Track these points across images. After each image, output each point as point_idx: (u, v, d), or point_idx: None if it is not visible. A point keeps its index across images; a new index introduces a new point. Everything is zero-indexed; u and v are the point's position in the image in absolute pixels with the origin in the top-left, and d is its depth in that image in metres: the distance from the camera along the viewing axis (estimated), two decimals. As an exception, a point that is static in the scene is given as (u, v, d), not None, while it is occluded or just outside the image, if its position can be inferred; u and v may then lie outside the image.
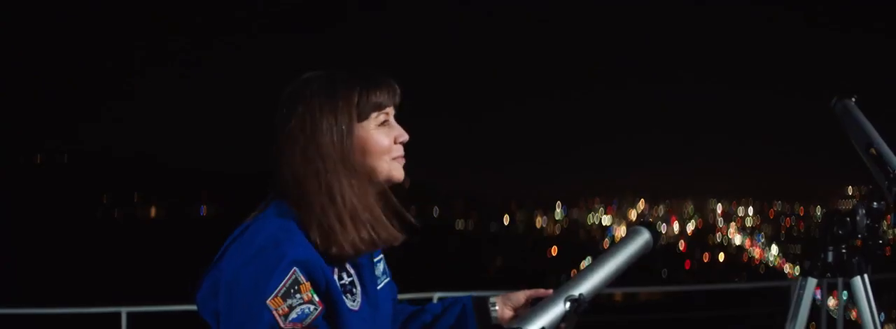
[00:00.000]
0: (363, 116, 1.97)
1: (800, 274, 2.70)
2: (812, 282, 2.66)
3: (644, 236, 2.27)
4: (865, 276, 2.62)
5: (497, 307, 2.32)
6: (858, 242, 2.58)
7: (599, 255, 2.22)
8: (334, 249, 1.87)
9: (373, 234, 1.93)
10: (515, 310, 2.33)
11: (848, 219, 2.54)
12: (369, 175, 1.99)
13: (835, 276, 2.65)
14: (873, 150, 2.47)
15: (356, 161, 1.96)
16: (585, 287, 2.11)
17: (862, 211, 2.51)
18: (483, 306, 2.32)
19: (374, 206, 1.99)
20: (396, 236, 2.01)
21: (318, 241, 1.86)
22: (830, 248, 2.63)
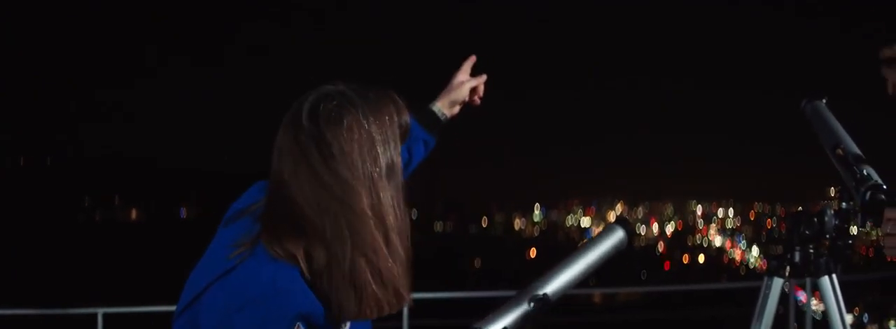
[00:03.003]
0: (403, 140, 1.75)
1: (765, 274, 2.70)
2: (778, 282, 2.66)
3: (618, 234, 2.19)
4: (834, 276, 2.62)
5: (444, 110, 2.52)
6: (827, 243, 2.59)
7: (571, 253, 2.15)
8: (347, 313, 1.64)
9: (393, 297, 1.68)
10: (454, 101, 2.53)
11: (815, 219, 2.55)
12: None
13: (802, 277, 2.65)
14: (840, 151, 2.47)
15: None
16: (552, 287, 2.06)
17: (830, 211, 2.51)
18: (432, 118, 2.51)
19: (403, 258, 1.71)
20: (404, 299, 1.72)
21: (332, 298, 1.62)
22: (797, 248, 2.63)
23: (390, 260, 1.66)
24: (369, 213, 1.63)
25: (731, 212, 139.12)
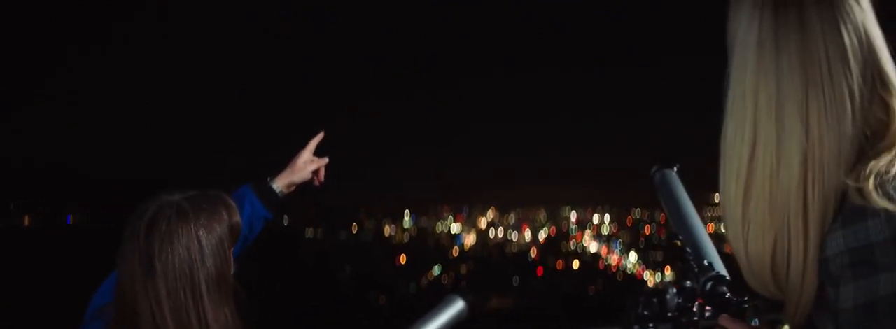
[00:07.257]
0: (235, 238, 1.93)
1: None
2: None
3: (457, 306, 2.27)
4: (676, 357, 2.50)
5: (284, 189, 2.68)
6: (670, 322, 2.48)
7: (412, 324, 2.21)
8: None
9: None
10: (294, 183, 2.71)
11: (656, 300, 2.44)
12: None
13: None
14: (678, 242, 2.39)
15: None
16: None
17: (673, 290, 2.40)
18: (273, 198, 2.63)
19: None
20: None
21: None
22: (636, 327, 2.52)
23: None
24: (195, 325, 1.77)
25: (607, 218, 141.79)
